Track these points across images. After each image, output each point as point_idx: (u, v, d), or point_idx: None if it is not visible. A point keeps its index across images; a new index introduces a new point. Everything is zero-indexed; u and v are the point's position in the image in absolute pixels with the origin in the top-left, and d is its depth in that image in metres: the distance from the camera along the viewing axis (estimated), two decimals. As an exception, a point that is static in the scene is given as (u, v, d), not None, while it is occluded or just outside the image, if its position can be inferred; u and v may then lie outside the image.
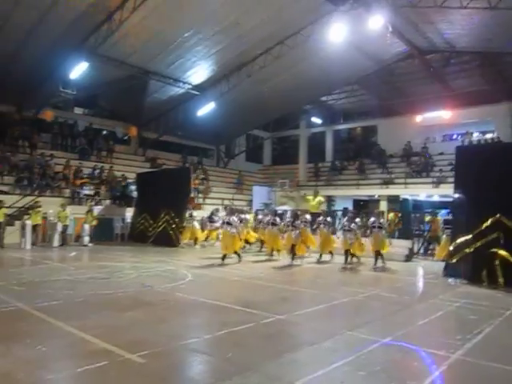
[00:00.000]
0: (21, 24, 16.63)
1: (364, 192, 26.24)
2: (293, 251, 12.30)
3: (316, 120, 32.33)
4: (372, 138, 31.29)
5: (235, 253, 12.17)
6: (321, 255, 13.15)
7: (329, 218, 13.89)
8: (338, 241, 13.61)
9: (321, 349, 4.96)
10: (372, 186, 25.77)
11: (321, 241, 13.33)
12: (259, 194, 26.33)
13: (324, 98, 30.03)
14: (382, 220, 12.93)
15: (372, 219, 12.87)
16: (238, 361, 4.46)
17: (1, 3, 15.43)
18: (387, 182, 24.98)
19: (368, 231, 13.47)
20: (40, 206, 15.96)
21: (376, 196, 26.10)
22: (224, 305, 6.96)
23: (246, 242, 15.11)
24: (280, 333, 5.59)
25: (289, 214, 16.86)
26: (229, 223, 12.01)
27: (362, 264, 12.62)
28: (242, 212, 15.75)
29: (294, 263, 12.31)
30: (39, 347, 4.63)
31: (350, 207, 25.84)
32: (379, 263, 12.04)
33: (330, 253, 13.25)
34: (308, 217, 13.58)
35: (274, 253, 13.66)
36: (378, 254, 12.02)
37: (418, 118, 26.76)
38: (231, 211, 13.18)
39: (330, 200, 26.54)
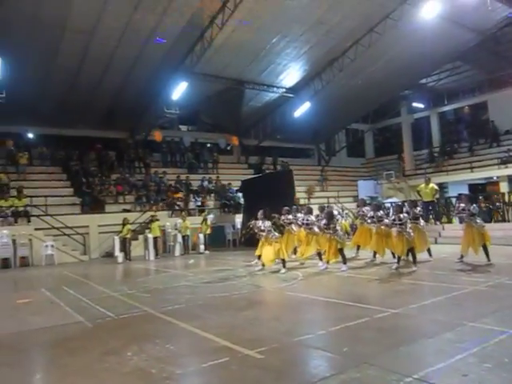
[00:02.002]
0: (124, 58, 18.38)
1: (479, 175, 24.31)
2: (413, 253, 9.92)
3: (418, 105, 30.73)
4: (483, 115, 28.89)
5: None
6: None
7: (418, 209, 11.22)
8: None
9: (440, 341, 4.74)
10: (488, 168, 23.79)
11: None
12: (365, 188, 25.71)
13: (424, 81, 28.43)
14: (473, 206, 10.18)
15: (462, 205, 10.48)
16: (353, 354, 4.45)
17: (104, 41, 17.13)
18: (506, 161, 22.87)
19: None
20: (158, 220, 17.30)
21: (494, 177, 24.03)
22: (336, 301, 6.96)
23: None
24: (395, 326, 5.44)
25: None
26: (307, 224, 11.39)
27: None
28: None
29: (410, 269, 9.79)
30: (167, 346, 5.07)
31: (466, 193, 24.11)
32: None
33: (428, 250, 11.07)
34: (419, 209, 11.22)
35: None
36: (484, 249, 9.89)
37: (535, 86, 24.13)
38: (308, 210, 11.98)
39: (441, 187, 25.00)
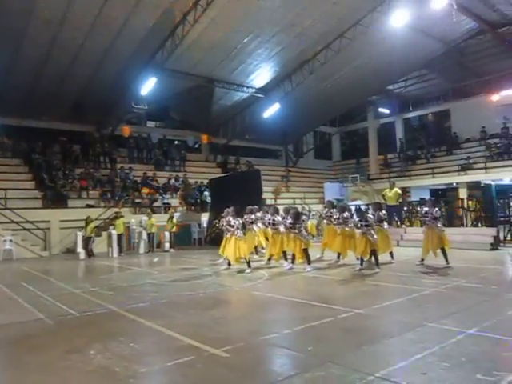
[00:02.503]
0: (93, 50, 17.98)
1: (441, 180, 25.14)
2: (375, 255, 10.10)
3: (384, 110, 31.44)
4: (445, 123, 29.88)
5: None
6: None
7: (383, 212, 11.31)
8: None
9: (401, 341, 4.91)
10: (449, 174, 24.61)
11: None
12: (331, 190, 26.12)
13: (391, 87, 29.15)
14: (435, 210, 10.45)
15: (425, 209, 10.70)
16: (318, 354, 4.53)
17: (73, 33, 16.71)
18: (465, 168, 23.74)
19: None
20: (122, 216, 17.00)
21: (454, 184, 24.89)
22: (301, 301, 7.05)
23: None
24: (359, 326, 5.58)
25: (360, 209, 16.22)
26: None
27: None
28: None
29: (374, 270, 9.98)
30: (132, 344, 5.00)
31: (427, 197, 24.86)
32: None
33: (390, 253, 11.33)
34: (383, 212, 11.32)
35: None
36: (443, 252, 10.21)
37: (495, 97, 25.08)
38: (275, 210, 11.79)
39: (404, 191, 25.68)
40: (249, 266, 10.69)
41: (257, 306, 7.13)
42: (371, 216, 10.43)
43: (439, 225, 10.45)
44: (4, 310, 7.13)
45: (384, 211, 11.55)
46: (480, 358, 4.31)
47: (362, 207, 11.99)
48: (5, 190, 16.98)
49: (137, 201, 19.89)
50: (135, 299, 7.50)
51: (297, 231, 10.48)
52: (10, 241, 15.48)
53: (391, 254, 11.32)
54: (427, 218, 10.49)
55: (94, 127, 22.96)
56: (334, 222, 11.64)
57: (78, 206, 18.44)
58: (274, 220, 11.50)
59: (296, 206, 20.59)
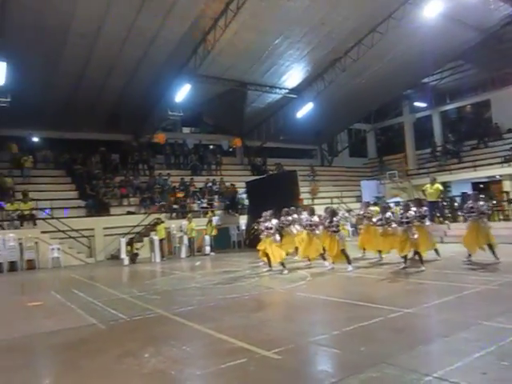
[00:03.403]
0: (128, 61, 18.43)
1: (483, 173, 24.28)
2: (418, 253, 9.84)
3: (420, 104, 30.66)
4: (485, 114, 28.88)
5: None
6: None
7: (424, 208, 10.87)
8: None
9: (456, 340, 4.77)
10: (491, 166, 23.76)
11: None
12: (368, 188, 25.71)
13: (426, 80, 28.37)
14: (481, 204, 10.05)
15: (470, 203, 10.27)
16: (371, 354, 4.47)
17: (108, 45, 17.19)
18: (508, 160, 22.87)
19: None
20: (163, 222, 17.33)
21: (497, 176, 24.02)
22: (346, 301, 6.99)
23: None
24: (410, 326, 5.48)
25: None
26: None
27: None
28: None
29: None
30: (184, 347, 5.10)
31: (469, 192, 24.14)
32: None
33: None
34: (425, 208, 10.88)
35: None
36: (490, 248, 9.88)
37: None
38: (311, 211, 11.72)
39: (445, 186, 25.00)
40: (284, 267, 10.72)
41: (302, 308, 7.11)
42: (412, 213, 10.16)
43: (485, 220, 10.10)
44: (58, 315, 7.40)
45: (425, 208, 11.24)
46: (542, 357, 4.15)
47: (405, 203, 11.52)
48: (50, 200, 17.64)
49: (174, 206, 20.20)
50: (182, 303, 7.62)
51: (334, 229, 10.43)
52: (58, 249, 16.06)
53: (436, 251, 11.02)
54: (474, 214, 10.09)
55: (131, 136, 23.55)
56: (378, 223, 11.34)
57: (120, 214, 18.95)
58: (311, 221, 11.45)
59: (333, 205, 20.47)
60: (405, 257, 10.08)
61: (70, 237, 17.10)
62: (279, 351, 4.65)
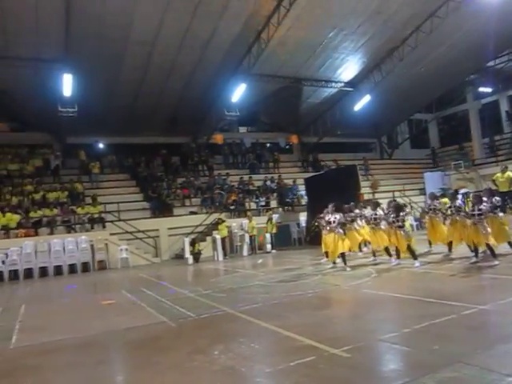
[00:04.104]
0: (184, 64, 18.92)
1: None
2: (489, 247, 9.13)
3: (485, 89, 29.02)
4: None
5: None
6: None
7: (497, 199, 10.15)
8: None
9: (539, 338, 4.48)
10: None
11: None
12: (432, 180, 24.71)
13: (491, 63, 26.79)
14: None
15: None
16: (445, 353, 4.28)
17: (165, 50, 17.72)
18: None
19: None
20: (224, 221, 17.62)
21: None
22: (415, 298, 6.74)
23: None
24: (486, 323, 5.21)
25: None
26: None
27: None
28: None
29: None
30: (252, 345, 5.16)
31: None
32: None
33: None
34: (497, 198, 10.23)
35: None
36: None
37: None
38: (375, 205, 11.59)
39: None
40: (344, 261, 10.59)
41: (369, 305, 6.96)
42: (485, 204, 9.57)
43: None
44: (130, 313, 7.74)
45: (498, 197, 10.60)
46: None
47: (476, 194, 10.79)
48: (117, 203, 18.49)
49: (233, 206, 20.40)
50: (247, 301, 7.71)
51: (400, 224, 10.12)
52: (126, 250, 16.80)
53: (510, 243, 10.38)
54: None
55: (190, 138, 24.18)
56: (448, 213, 10.75)
57: (183, 214, 19.50)
58: (375, 215, 11.20)
59: (396, 199, 19.90)
60: (476, 250, 9.57)
61: (137, 238, 17.85)
62: (348, 349, 4.58)
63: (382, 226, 10.89)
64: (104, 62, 17.36)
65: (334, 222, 10.80)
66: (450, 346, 4.50)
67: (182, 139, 24.13)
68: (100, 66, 17.49)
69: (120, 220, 17.93)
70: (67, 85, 16.81)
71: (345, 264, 10.56)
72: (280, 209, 21.43)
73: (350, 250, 12.40)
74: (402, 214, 10.26)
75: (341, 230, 10.92)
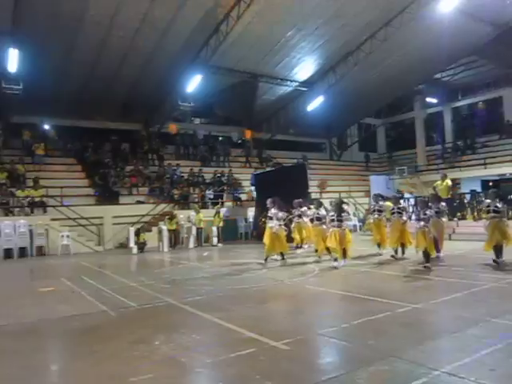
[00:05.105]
0: (141, 51, 18.51)
1: (493, 171, 24.12)
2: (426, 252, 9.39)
3: (431, 100, 30.44)
4: (498, 110, 28.60)
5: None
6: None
7: (443, 204, 10.77)
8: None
9: (465, 336, 4.79)
10: (502, 164, 23.57)
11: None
12: (377, 183, 25.62)
13: (438, 75, 28.16)
14: (499, 202, 9.62)
15: (487, 202, 9.94)
16: (380, 348, 4.51)
17: (121, 34, 17.23)
18: (521, 158, 22.69)
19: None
20: (175, 217, 17.36)
21: (508, 174, 23.86)
22: (355, 295, 7.01)
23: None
24: (418, 321, 5.51)
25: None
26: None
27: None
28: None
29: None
30: (194, 336, 5.18)
31: (479, 189, 24.06)
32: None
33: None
34: (443, 204, 10.76)
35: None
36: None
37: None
38: (318, 204, 11.65)
39: (455, 183, 24.85)
40: (283, 257, 11.26)
41: (311, 300, 7.17)
42: (431, 210, 9.94)
43: (503, 218, 9.76)
44: (70, 301, 7.50)
45: (444, 203, 11.05)
46: (551, 355, 4.17)
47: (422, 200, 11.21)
48: (61, 187, 17.79)
49: (178, 197, 20.12)
50: (191, 292, 7.70)
51: (339, 224, 10.04)
52: (68, 236, 16.21)
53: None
54: (492, 214, 9.55)
55: (142, 125, 23.65)
56: (394, 215, 11.10)
57: (129, 203, 19.06)
58: (318, 214, 11.37)
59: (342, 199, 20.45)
60: (426, 254, 9.49)
61: (80, 225, 17.26)
62: (288, 342, 4.71)
63: (324, 226, 11.09)
64: (56, 39, 16.59)
65: (273, 217, 11.08)
66: (384, 341, 4.74)
67: (134, 126, 23.56)
68: (51, 44, 16.69)
69: (63, 205, 17.27)
70: (13, 60, 15.95)
71: (283, 258, 11.18)
72: (230, 203, 21.45)
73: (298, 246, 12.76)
74: (343, 213, 10.22)
75: (277, 225, 11.08)
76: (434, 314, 5.83)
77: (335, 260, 10.08)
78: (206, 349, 4.76)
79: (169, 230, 16.67)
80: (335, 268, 9.85)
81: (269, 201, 11.48)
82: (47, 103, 19.01)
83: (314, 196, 21.16)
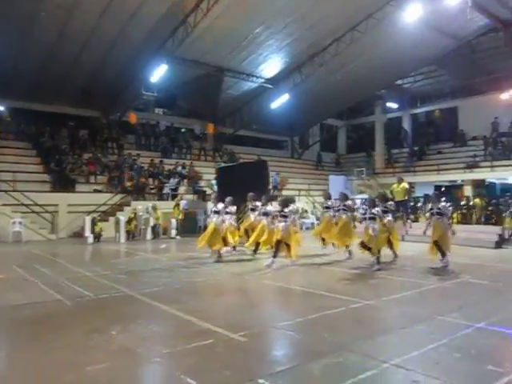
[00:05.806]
0: (104, 36, 17.97)
1: (446, 177, 25.22)
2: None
3: (392, 105, 31.35)
4: (453, 120, 29.83)
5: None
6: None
7: (390, 203, 11.03)
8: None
9: (413, 332, 5.05)
10: (454, 171, 24.66)
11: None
12: (336, 183, 26.15)
13: (399, 82, 29.05)
14: (441, 205, 9.97)
15: (430, 205, 10.37)
16: (333, 341, 4.69)
17: (85, 18, 16.73)
18: (471, 166, 23.78)
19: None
20: (134, 210, 17.11)
21: (459, 181, 24.97)
22: (311, 291, 7.20)
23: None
24: (370, 317, 5.75)
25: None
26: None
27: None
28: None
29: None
30: (150, 327, 5.19)
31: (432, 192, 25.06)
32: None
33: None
34: (390, 203, 11.02)
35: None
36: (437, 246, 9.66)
37: (504, 96, 24.87)
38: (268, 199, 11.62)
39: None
40: (234, 249, 11.63)
41: (268, 295, 7.31)
42: (378, 209, 10.17)
43: (445, 220, 9.86)
44: (21, 290, 7.30)
45: (391, 202, 11.34)
46: (489, 351, 4.47)
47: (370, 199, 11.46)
48: (14, 172, 17.12)
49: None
50: (148, 284, 7.66)
51: (280, 220, 9.84)
52: (20, 223, 15.66)
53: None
54: (436, 217, 9.85)
55: (102, 113, 23.05)
56: (340, 212, 11.28)
57: (86, 191, 18.59)
58: (265, 209, 11.22)
59: (299, 196, 20.82)
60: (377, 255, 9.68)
61: (33, 211, 16.68)
62: (245, 334, 4.79)
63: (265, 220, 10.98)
64: (14, 17, 15.86)
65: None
66: (338, 335, 4.92)
67: (93, 113, 22.91)
68: (8, 21, 15.93)
69: (15, 191, 16.63)
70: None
71: (234, 249, 11.62)
72: (190, 195, 21.30)
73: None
74: (286, 209, 9.93)
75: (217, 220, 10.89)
76: (384, 311, 6.08)
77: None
78: (163, 339, 4.79)
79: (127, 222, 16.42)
80: (268, 267, 9.46)
81: (250, 195, 12.05)
82: (1, 84, 18.20)
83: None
